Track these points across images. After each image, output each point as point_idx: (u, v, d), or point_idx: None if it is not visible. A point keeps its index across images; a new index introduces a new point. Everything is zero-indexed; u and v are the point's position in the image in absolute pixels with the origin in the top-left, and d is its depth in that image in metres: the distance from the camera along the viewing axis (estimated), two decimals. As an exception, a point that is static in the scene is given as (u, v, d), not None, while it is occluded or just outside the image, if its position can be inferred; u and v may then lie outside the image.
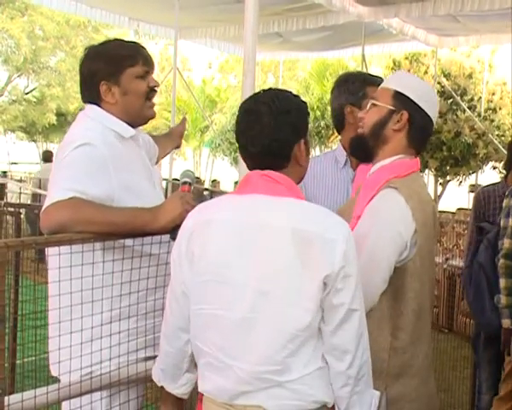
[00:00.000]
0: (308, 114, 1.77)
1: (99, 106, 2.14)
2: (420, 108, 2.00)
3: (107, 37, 21.43)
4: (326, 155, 2.75)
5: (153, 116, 2.25)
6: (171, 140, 2.72)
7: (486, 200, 3.84)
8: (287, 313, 1.57)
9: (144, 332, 2.09)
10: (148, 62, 2.18)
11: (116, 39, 2.28)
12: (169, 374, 1.81)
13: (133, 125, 2.18)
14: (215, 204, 1.76)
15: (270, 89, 1.78)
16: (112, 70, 2.11)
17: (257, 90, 1.85)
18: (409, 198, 1.88)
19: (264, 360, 1.58)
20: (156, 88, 2.21)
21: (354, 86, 2.48)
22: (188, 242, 1.68)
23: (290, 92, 1.77)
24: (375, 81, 2.38)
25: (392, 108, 2.01)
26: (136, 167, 2.14)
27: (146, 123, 2.28)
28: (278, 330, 1.58)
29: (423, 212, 1.92)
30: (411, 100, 2.00)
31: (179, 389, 1.81)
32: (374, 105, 2.05)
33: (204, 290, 1.65)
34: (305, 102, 1.78)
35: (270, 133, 1.66)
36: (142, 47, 2.22)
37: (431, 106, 2.05)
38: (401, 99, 2.01)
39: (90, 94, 2.15)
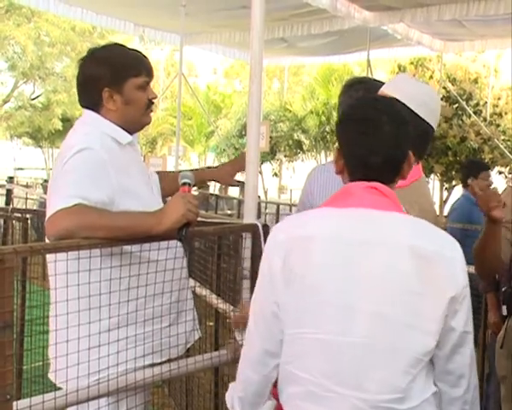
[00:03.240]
0: None
1: (96, 111, 2.15)
2: (416, 115, 1.96)
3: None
4: (333, 162, 2.74)
5: (149, 122, 2.28)
6: (224, 175, 2.66)
7: None
8: (407, 336, 1.46)
9: (143, 340, 2.08)
10: (149, 73, 2.19)
11: (120, 45, 2.28)
12: (248, 402, 1.63)
13: (130, 132, 2.19)
14: (312, 218, 1.59)
15: (371, 96, 1.73)
16: (116, 78, 2.12)
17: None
18: (410, 208, 1.86)
19: (386, 387, 1.46)
20: (154, 100, 2.22)
21: (357, 94, 2.47)
22: (284, 258, 1.51)
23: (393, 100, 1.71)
24: (377, 88, 2.37)
25: None
26: (133, 171, 2.15)
27: (140, 129, 2.32)
28: (400, 354, 1.46)
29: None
30: (407, 107, 1.95)
31: None
32: None
33: (306, 313, 1.49)
34: None
35: (394, 143, 1.57)
36: (145, 56, 2.23)
37: (429, 112, 2.02)
38: None
39: (90, 98, 2.15)
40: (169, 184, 2.41)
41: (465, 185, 5.34)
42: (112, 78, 2.11)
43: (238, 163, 2.63)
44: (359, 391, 1.46)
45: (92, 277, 1.91)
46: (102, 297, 1.95)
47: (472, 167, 5.34)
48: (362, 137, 1.58)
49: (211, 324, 3.14)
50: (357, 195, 1.55)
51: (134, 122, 2.19)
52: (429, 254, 1.47)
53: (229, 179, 2.64)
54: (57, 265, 1.88)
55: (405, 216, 1.57)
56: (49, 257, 2.00)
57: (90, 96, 2.15)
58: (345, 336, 1.46)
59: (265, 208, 10.33)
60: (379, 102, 1.67)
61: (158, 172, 2.50)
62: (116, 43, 2.31)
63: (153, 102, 2.22)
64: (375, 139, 1.56)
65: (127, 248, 1.99)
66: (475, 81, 13.78)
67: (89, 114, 2.16)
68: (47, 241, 1.93)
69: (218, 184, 14.62)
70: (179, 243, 2.07)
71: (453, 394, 1.54)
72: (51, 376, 2.07)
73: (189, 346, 2.32)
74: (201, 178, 2.61)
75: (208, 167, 2.80)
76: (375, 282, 1.46)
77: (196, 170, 2.55)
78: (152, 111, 2.25)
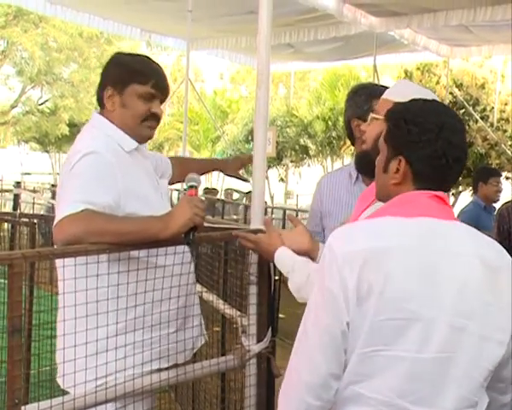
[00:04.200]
0: None
1: (102, 110, 2.18)
2: None
3: (119, 48, 21.60)
4: (341, 170, 2.76)
5: (149, 137, 2.23)
6: (233, 163, 2.76)
7: (511, 215, 3.88)
8: (483, 348, 1.44)
9: (150, 345, 2.09)
10: (159, 88, 2.16)
11: (145, 56, 2.27)
12: None
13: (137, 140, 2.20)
14: (382, 228, 1.49)
15: (439, 102, 1.67)
16: (120, 78, 2.13)
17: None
18: None
19: (462, 402, 1.44)
20: (158, 115, 2.19)
21: (361, 99, 2.46)
22: (359, 273, 1.40)
23: None
24: (380, 92, 2.35)
25: None
26: (141, 177, 2.15)
27: (144, 142, 2.24)
28: (476, 367, 1.44)
29: None
30: None
31: None
32: (375, 119, 2.01)
33: (381, 329, 1.41)
34: None
35: (466, 152, 1.58)
36: (163, 74, 2.21)
37: None
38: None
39: (98, 95, 2.20)
40: (184, 171, 2.46)
41: (475, 191, 5.37)
42: (116, 77, 2.14)
43: (245, 159, 2.74)
44: (434, 408, 1.42)
45: (100, 282, 1.92)
46: (110, 302, 1.96)
47: (482, 173, 5.38)
48: (449, 147, 1.52)
49: (217, 329, 3.14)
50: (424, 204, 1.51)
51: (131, 129, 2.15)
52: (494, 263, 1.48)
53: (235, 171, 2.71)
54: (65, 270, 1.89)
55: (466, 226, 1.55)
56: (58, 262, 2.02)
57: (98, 92, 2.20)
58: (422, 352, 1.40)
59: (272, 214, 10.32)
60: (451, 110, 1.62)
61: (173, 158, 2.56)
62: (146, 56, 2.28)
63: (155, 117, 2.18)
64: (462, 150, 1.54)
65: (134, 253, 1.99)
66: (482, 87, 13.77)
67: (97, 118, 2.18)
68: (55, 246, 1.94)
69: (223, 191, 14.65)
70: (186, 248, 2.07)
71: (503, 400, 1.55)
72: (59, 380, 2.07)
73: (195, 351, 2.32)
74: (205, 167, 2.67)
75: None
76: (452, 294, 1.43)
77: (201, 160, 2.60)
78: (151, 126, 2.19)
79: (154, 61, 2.23)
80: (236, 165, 2.73)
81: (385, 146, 1.60)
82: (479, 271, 1.45)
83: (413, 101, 1.63)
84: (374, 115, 2.02)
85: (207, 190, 12.39)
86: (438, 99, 2.11)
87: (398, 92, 2.03)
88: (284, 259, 2.07)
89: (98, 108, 2.23)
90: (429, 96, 2.08)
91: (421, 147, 1.51)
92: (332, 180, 2.61)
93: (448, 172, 1.54)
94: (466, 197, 14.31)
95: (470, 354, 1.43)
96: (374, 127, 2.00)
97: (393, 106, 1.62)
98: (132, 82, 2.12)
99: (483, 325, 1.44)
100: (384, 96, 2.04)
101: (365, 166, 2.06)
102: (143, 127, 2.17)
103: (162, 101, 2.21)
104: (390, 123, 1.59)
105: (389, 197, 1.58)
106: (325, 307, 1.44)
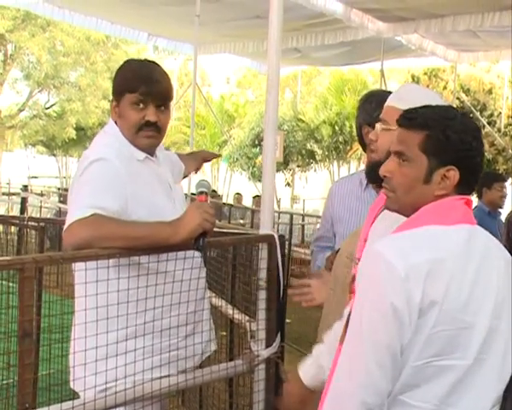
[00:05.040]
0: None
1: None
2: None
3: (126, 52, 21.67)
4: (352, 176, 2.78)
5: (146, 146, 2.16)
6: (194, 161, 2.74)
7: None
8: (507, 347, 1.50)
9: (160, 350, 2.09)
10: (149, 93, 2.10)
11: (144, 62, 2.23)
12: None
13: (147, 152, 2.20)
14: (430, 238, 1.47)
15: (450, 106, 1.67)
16: (116, 89, 2.17)
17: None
18: None
19: (495, 401, 1.49)
20: (154, 122, 2.12)
21: (371, 106, 2.45)
22: (424, 287, 1.38)
23: None
24: (386, 98, 2.32)
25: None
26: (151, 184, 2.15)
27: (147, 151, 2.18)
28: (504, 366, 1.49)
29: None
30: None
31: None
32: (386, 129, 1.95)
33: (436, 341, 1.40)
34: None
35: None
36: (156, 78, 2.13)
37: None
38: None
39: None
40: (188, 163, 2.57)
41: (479, 196, 5.34)
42: (114, 88, 2.19)
43: (212, 155, 2.93)
44: None
45: (110, 287, 1.92)
46: (120, 307, 1.96)
47: (486, 179, 5.33)
48: (482, 153, 1.56)
49: (224, 333, 3.13)
50: (461, 210, 1.52)
51: (130, 140, 2.14)
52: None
53: (193, 170, 2.72)
54: (80, 274, 1.90)
55: (482, 229, 1.57)
56: (73, 267, 2.03)
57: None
58: (465, 358, 1.42)
59: (279, 218, 10.31)
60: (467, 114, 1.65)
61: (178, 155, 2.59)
62: (145, 59, 2.26)
63: (151, 125, 2.12)
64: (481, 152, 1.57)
65: (144, 258, 2.00)
66: (489, 92, 13.76)
67: (111, 125, 2.19)
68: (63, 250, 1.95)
69: (230, 194, 14.65)
70: (196, 253, 2.07)
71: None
72: (72, 384, 2.08)
73: (205, 357, 2.31)
74: (188, 168, 2.65)
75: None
76: (492, 298, 1.47)
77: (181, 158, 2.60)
78: (148, 135, 2.14)
79: (149, 66, 2.17)
80: (195, 164, 2.72)
81: (423, 156, 1.53)
82: (504, 271, 1.52)
83: (450, 109, 1.61)
84: (385, 126, 1.96)
85: (210, 194, 12.37)
86: (444, 101, 2.08)
87: (406, 99, 1.98)
88: None
89: (105, 112, 2.27)
90: (437, 99, 2.05)
91: (473, 155, 1.52)
92: (343, 186, 2.64)
93: (478, 178, 1.58)
94: (473, 202, 14.26)
95: (500, 353, 1.48)
96: (386, 137, 1.94)
97: (427, 113, 1.56)
98: (125, 91, 2.12)
99: (508, 324, 1.49)
100: (390, 104, 1.98)
101: (377, 176, 2.04)
102: (140, 137, 2.13)
103: (162, 106, 2.15)
104: (432, 132, 1.53)
105: (416, 208, 1.54)
106: (385, 323, 1.40)
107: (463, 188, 1.54)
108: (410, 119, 1.56)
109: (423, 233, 1.47)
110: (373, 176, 2.10)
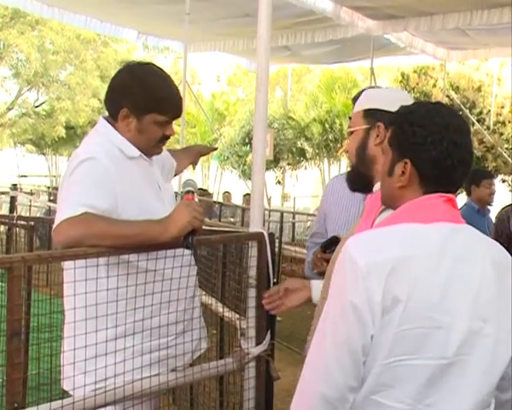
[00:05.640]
0: None
1: (113, 120, 2.16)
2: (392, 113, 1.80)
3: (116, 51, 21.59)
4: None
5: (159, 153, 2.27)
6: (188, 156, 2.73)
7: (511, 220, 3.91)
8: (497, 349, 1.46)
9: (150, 349, 2.09)
10: (175, 115, 2.18)
11: (161, 72, 2.19)
12: None
13: (143, 152, 2.20)
14: (402, 236, 1.46)
15: (442, 103, 1.64)
16: (141, 106, 2.10)
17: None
18: None
19: (479, 405, 1.45)
20: (170, 136, 2.20)
21: None
22: (385, 284, 1.36)
23: None
24: None
25: (366, 126, 1.98)
26: (140, 183, 2.15)
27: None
28: (492, 369, 1.46)
29: None
30: (381, 110, 1.95)
31: None
32: (351, 132, 2.03)
33: (405, 339, 1.39)
34: None
35: (472, 153, 1.56)
36: (181, 100, 2.20)
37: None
38: (372, 114, 1.97)
39: (109, 108, 2.18)
40: (181, 158, 2.59)
41: (468, 194, 5.35)
42: (137, 103, 2.10)
43: (206, 149, 2.94)
44: None
45: (99, 285, 1.92)
46: (110, 305, 1.96)
47: (474, 176, 5.34)
48: (469, 145, 1.53)
49: (214, 331, 3.13)
50: (440, 209, 1.50)
51: (143, 149, 2.18)
52: (504, 263, 1.50)
53: (186, 167, 2.75)
54: (66, 273, 1.89)
55: (473, 228, 1.54)
56: (64, 265, 2.02)
57: (110, 105, 2.18)
58: (441, 359, 1.40)
59: (269, 216, 10.31)
60: (454, 110, 1.61)
61: (168, 150, 2.57)
62: (163, 71, 2.21)
63: (168, 138, 2.21)
64: (467, 151, 1.52)
65: (134, 256, 1.99)
66: (479, 89, 13.81)
67: (102, 124, 2.17)
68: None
69: (220, 192, 14.63)
70: (186, 251, 2.07)
71: (504, 397, 1.57)
72: (62, 382, 2.07)
73: (197, 355, 2.31)
74: (182, 163, 2.66)
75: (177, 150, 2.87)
76: (471, 298, 1.43)
77: (173, 154, 2.59)
78: (162, 145, 2.24)
79: (173, 86, 2.18)
80: (189, 159, 2.73)
81: (389, 149, 1.59)
82: (491, 272, 1.46)
83: (418, 103, 1.62)
84: (350, 129, 2.04)
85: (200, 192, 12.36)
86: (402, 91, 2.09)
87: (364, 100, 2.04)
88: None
89: (95, 110, 2.24)
90: (393, 90, 2.08)
91: (426, 149, 1.50)
92: (337, 183, 2.69)
93: (454, 174, 1.52)
94: (463, 200, 14.34)
95: (487, 356, 1.44)
96: (353, 140, 2.01)
97: (399, 109, 1.60)
98: (153, 111, 2.11)
99: (497, 327, 1.45)
100: (355, 110, 2.05)
101: (357, 182, 2.06)
102: (155, 148, 2.21)
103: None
104: (395, 126, 1.58)
105: (394, 201, 1.57)
106: (345, 320, 1.40)
107: (428, 183, 1.52)
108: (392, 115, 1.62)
109: (396, 231, 1.47)
110: (354, 183, 2.10)
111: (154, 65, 2.23)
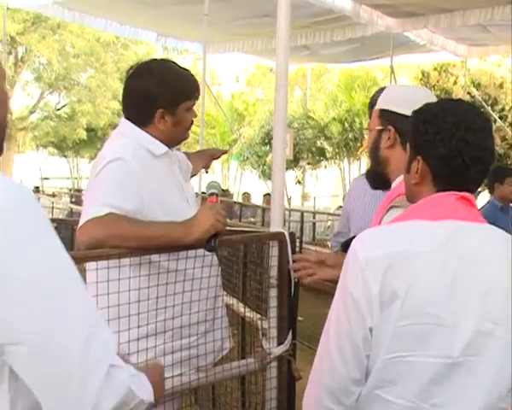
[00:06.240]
0: None
1: (142, 126, 2.15)
2: (405, 116, 1.80)
3: (136, 53, 21.71)
4: None
5: (187, 138, 2.34)
6: (202, 159, 2.74)
7: None
8: (509, 353, 1.42)
9: (172, 349, 2.10)
10: (198, 95, 2.27)
11: (172, 63, 2.27)
12: None
13: (168, 146, 2.21)
14: (406, 232, 1.45)
15: (460, 100, 1.63)
16: (172, 101, 2.14)
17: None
18: None
19: (481, 407, 1.41)
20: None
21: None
22: (383, 279, 1.37)
23: None
24: None
25: (379, 127, 1.97)
26: (167, 183, 2.16)
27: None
28: (502, 373, 1.42)
29: None
30: (394, 112, 1.93)
31: None
32: (369, 130, 2.04)
33: (406, 335, 1.38)
34: None
35: (493, 152, 1.53)
36: (194, 77, 2.27)
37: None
38: (386, 115, 1.96)
39: (141, 115, 2.15)
40: (195, 161, 2.60)
41: (491, 191, 5.30)
42: (169, 100, 2.14)
43: (219, 151, 2.92)
44: None
45: (122, 286, 1.93)
46: (133, 306, 1.97)
47: (498, 173, 5.28)
48: (465, 146, 1.47)
49: (235, 331, 3.14)
50: (451, 206, 1.47)
51: (175, 140, 2.25)
52: None
53: (199, 169, 2.73)
54: (89, 274, 1.90)
55: (493, 227, 1.51)
56: (85, 266, 2.04)
57: (141, 112, 2.15)
58: (445, 358, 1.38)
59: (289, 216, 10.31)
60: (476, 108, 1.58)
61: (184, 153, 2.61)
62: (169, 60, 2.32)
63: (193, 122, 2.28)
64: (481, 149, 1.49)
65: (156, 256, 2.00)
66: (500, 86, 13.67)
67: (125, 124, 2.17)
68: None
69: (240, 193, 14.66)
70: (207, 252, 2.08)
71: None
72: None
73: (221, 356, 2.31)
74: (196, 166, 2.66)
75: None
76: (478, 298, 1.40)
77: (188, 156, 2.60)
78: (191, 129, 2.30)
79: (181, 67, 2.25)
80: (202, 162, 2.73)
81: (408, 147, 1.60)
82: (507, 273, 1.42)
83: (438, 102, 1.61)
84: (368, 128, 2.05)
85: (221, 193, 12.39)
86: (432, 97, 2.05)
87: (382, 98, 2.02)
88: None
89: (116, 112, 2.26)
90: (411, 91, 2.05)
91: (436, 146, 1.49)
92: (361, 182, 2.69)
93: (466, 172, 1.49)
94: (485, 198, 14.19)
95: (498, 358, 1.41)
96: (368, 139, 2.03)
97: (420, 107, 1.58)
98: (184, 100, 2.17)
99: (510, 329, 1.41)
100: (376, 107, 2.03)
101: (375, 180, 2.08)
102: (186, 134, 2.28)
103: None
104: (411, 124, 1.58)
105: (413, 198, 1.58)
106: (346, 312, 1.42)
107: (440, 181, 1.51)
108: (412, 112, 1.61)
109: (401, 227, 1.47)
110: (373, 181, 2.13)
111: (158, 59, 2.33)
